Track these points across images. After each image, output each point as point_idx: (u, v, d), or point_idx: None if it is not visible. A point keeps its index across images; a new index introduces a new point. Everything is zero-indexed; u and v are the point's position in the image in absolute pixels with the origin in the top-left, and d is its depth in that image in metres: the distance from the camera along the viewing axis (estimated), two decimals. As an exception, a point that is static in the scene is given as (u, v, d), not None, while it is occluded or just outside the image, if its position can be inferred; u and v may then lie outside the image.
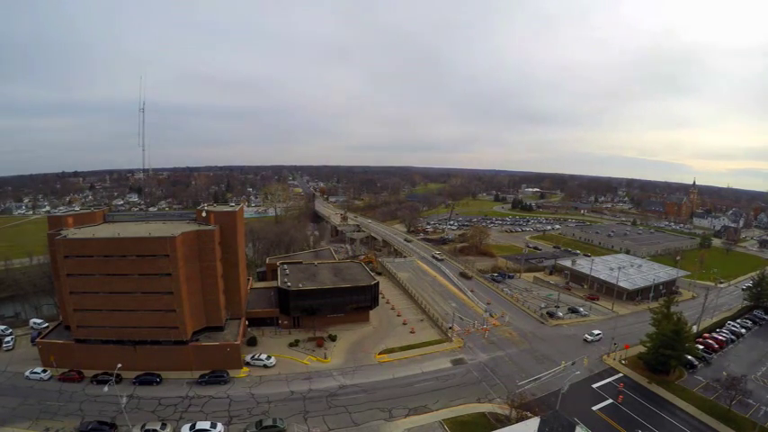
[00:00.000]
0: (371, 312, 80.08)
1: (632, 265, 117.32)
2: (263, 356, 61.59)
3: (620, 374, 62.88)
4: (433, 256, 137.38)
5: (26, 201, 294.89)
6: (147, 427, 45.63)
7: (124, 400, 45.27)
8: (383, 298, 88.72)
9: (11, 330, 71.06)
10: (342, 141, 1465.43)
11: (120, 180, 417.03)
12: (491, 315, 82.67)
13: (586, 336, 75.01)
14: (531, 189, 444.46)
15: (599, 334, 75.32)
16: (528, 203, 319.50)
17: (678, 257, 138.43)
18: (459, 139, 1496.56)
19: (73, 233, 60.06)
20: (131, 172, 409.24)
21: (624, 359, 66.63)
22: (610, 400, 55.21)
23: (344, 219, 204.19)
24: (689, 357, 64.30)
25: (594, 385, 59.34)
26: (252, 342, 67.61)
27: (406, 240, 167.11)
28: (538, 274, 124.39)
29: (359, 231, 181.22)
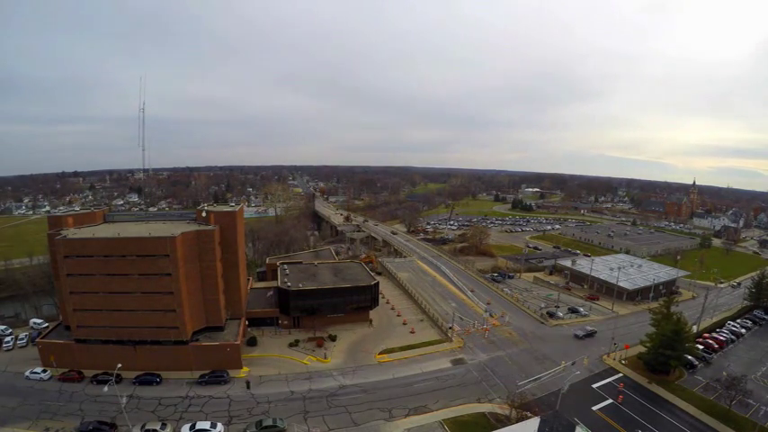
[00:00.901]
0: (371, 312, 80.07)
1: (632, 265, 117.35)
2: None
3: (620, 374, 62.85)
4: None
5: (26, 201, 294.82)
6: (147, 427, 45.62)
7: (124, 400, 45.28)
8: (383, 298, 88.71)
9: (11, 330, 71.11)
10: (339, 142, 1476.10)
11: (120, 180, 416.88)
12: (491, 315, 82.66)
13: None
14: (530, 189, 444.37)
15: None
16: (528, 203, 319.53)
17: (678, 257, 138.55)
18: (438, 142, 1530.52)
19: (73, 233, 60.05)
20: (131, 172, 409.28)
21: (624, 359, 66.64)
22: (610, 400, 55.19)
23: (348, 219, 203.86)
24: (689, 357, 64.26)
25: (594, 385, 59.32)
26: (252, 342, 67.62)
27: (406, 241, 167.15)
28: (538, 274, 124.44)
29: (359, 231, 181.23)
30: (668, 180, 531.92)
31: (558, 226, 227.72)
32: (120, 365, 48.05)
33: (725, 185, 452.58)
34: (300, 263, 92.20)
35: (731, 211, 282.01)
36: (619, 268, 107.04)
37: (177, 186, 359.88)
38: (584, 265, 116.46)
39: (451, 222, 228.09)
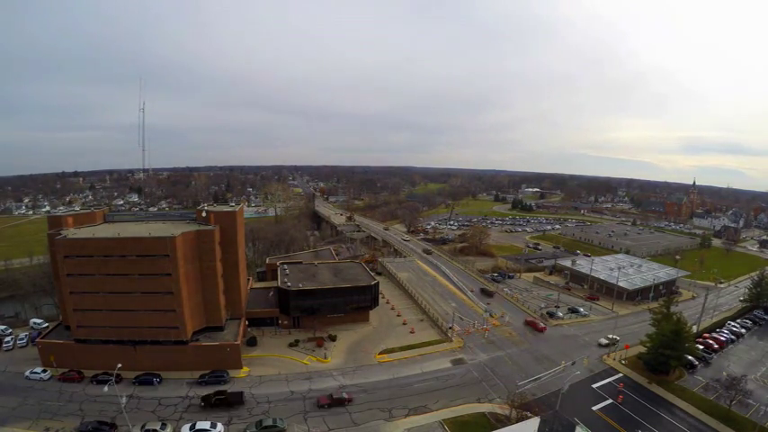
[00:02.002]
0: (371, 312, 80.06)
1: (632, 266, 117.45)
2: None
3: (620, 374, 62.89)
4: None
5: (26, 201, 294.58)
6: (147, 427, 45.60)
7: (124, 400, 45.25)
8: (383, 298, 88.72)
9: (11, 330, 71.08)
10: (337, 144, 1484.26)
11: (120, 180, 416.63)
12: (491, 315, 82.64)
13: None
14: (530, 189, 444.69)
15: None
16: (528, 203, 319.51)
17: (678, 257, 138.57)
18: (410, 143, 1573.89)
19: (73, 233, 60.04)
20: (131, 172, 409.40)
21: (624, 359, 66.65)
22: (610, 400, 55.21)
23: (350, 219, 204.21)
24: (689, 357, 64.29)
25: (594, 385, 59.35)
26: (252, 342, 67.60)
27: (404, 240, 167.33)
28: (538, 274, 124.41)
29: (359, 231, 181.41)
30: (646, 178, 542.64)
31: (557, 226, 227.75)
32: (120, 365, 48.05)
33: (725, 185, 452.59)
34: (300, 263, 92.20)
35: (731, 211, 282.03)
36: (618, 268, 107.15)
37: (177, 186, 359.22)
38: (583, 265, 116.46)
39: (451, 222, 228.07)
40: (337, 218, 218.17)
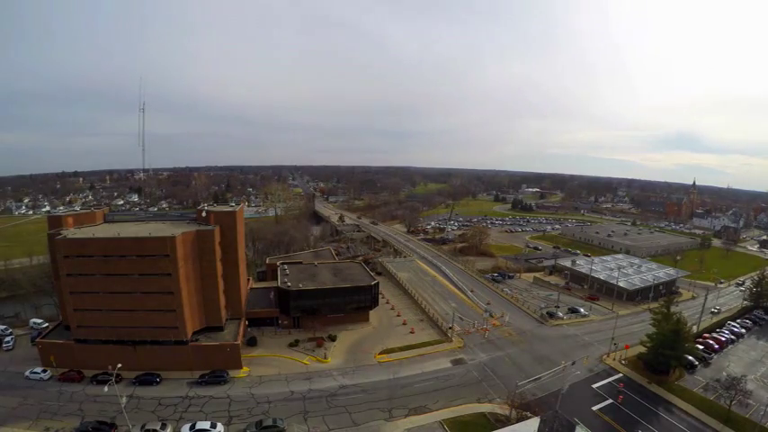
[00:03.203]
0: (371, 312, 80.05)
1: (632, 266, 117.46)
2: None
3: (620, 374, 62.88)
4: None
5: (26, 201, 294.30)
6: (147, 427, 45.61)
7: (124, 400, 45.21)
8: (383, 298, 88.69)
9: (11, 330, 71.09)
10: (335, 143, 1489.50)
11: (121, 180, 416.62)
12: (491, 315, 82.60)
13: None
14: (530, 189, 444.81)
15: None
16: (528, 203, 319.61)
17: (678, 258, 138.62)
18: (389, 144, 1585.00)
19: (73, 233, 60.03)
20: (132, 172, 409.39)
21: (624, 359, 66.64)
22: (610, 400, 55.20)
23: (341, 219, 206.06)
24: (689, 357, 64.30)
25: (594, 385, 59.35)
26: (252, 342, 67.60)
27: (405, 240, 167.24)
28: (538, 275, 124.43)
29: (359, 231, 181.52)
30: (632, 177, 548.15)
31: (557, 226, 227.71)
32: (120, 365, 48.04)
33: (725, 185, 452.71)
34: (300, 263, 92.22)
35: (731, 212, 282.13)
36: (618, 268, 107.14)
37: (177, 186, 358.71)
38: (583, 265, 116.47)
39: (451, 222, 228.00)
40: (336, 218, 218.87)
